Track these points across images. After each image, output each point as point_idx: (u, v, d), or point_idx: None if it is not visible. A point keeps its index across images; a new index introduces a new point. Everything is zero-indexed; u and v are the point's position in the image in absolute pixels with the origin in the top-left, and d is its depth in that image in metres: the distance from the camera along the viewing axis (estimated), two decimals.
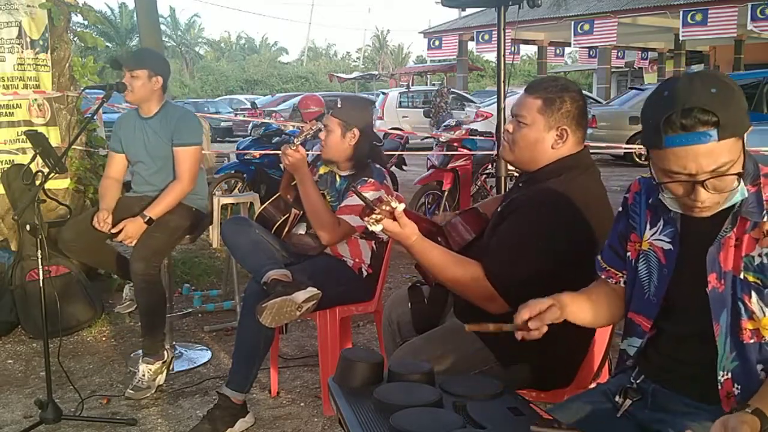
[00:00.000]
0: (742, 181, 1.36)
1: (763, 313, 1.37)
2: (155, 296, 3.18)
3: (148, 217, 3.18)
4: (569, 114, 1.96)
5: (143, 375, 3.13)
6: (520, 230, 1.91)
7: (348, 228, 2.77)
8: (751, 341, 1.39)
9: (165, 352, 3.23)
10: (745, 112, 1.34)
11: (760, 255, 1.37)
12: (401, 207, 1.81)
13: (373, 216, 1.77)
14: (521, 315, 1.53)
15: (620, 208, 1.66)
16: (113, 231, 3.18)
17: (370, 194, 2.72)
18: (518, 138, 2.00)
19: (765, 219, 1.37)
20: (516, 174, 5.78)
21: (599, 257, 1.71)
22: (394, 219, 1.81)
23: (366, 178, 2.81)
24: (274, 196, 2.93)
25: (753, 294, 1.38)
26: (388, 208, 1.79)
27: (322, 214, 2.74)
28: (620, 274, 1.66)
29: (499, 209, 2.06)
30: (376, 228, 1.78)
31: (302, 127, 2.84)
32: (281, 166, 2.83)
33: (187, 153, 3.29)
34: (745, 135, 1.35)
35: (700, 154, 1.30)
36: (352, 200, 2.74)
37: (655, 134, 1.33)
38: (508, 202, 2.02)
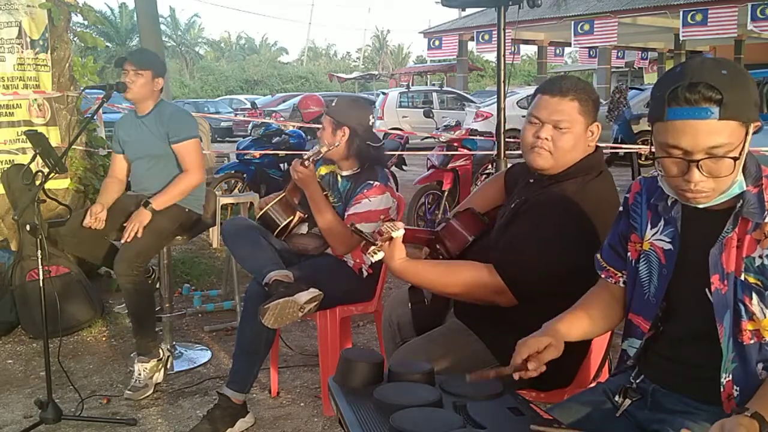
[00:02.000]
0: (741, 173, 1.36)
1: (764, 314, 1.37)
2: (141, 297, 3.18)
3: (150, 205, 3.18)
4: (596, 110, 1.98)
5: (139, 374, 3.14)
6: (533, 231, 1.91)
7: (360, 238, 2.77)
8: (752, 342, 1.38)
9: (159, 350, 3.23)
10: (753, 103, 1.33)
11: (760, 256, 1.37)
12: (400, 233, 1.87)
13: (373, 248, 1.85)
14: (520, 354, 1.53)
15: (621, 208, 1.66)
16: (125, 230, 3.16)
17: (377, 199, 2.72)
18: (562, 144, 1.94)
19: (766, 220, 1.36)
20: None
21: (598, 256, 1.71)
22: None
23: (371, 182, 2.80)
24: (279, 196, 2.91)
25: (753, 296, 1.37)
26: (387, 236, 1.86)
27: (336, 229, 2.75)
28: (620, 274, 1.66)
29: (512, 206, 2.04)
30: (378, 258, 1.86)
31: (318, 147, 2.78)
32: (289, 172, 2.82)
33: (188, 147, 3.31)
34: (751, 129, 1.34)
35: (698, 130, 1.30)
36: (359, 207, 2.74)
37: (659, 106, 1.34)
38: (522, 201, 2.01)
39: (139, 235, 3.13)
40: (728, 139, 1.31)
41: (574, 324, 1.64)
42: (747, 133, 1.33)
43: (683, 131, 1.31)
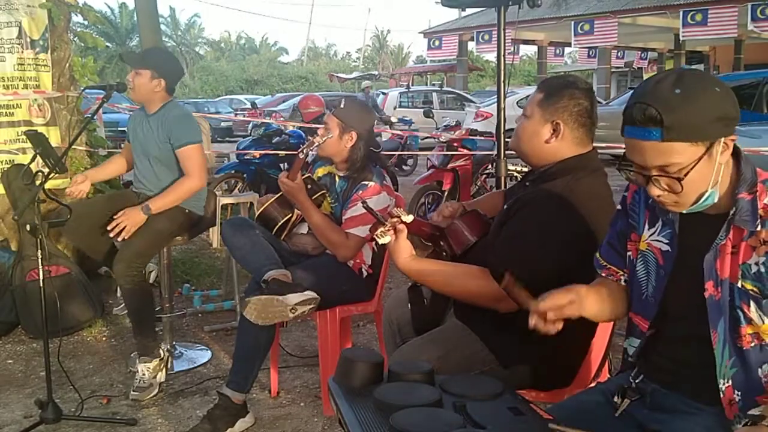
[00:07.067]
0: (716, 185, 1.36)
1: (762, 321, 1.36)
2: (141, 297, 3.18)
3: (147, 208, 3.16)
4: (565, 109, 1.97)
5: (143, 374, 3.13)
6: (526, 229, 1.91)
7: (359, 241, 2.79)
8: (752, 345, 1.37)
9: (160, 350, 3.23)
10: (715, 119, 1.30)
11: (756, 263, 1.36)
12: (410, 218, 1.87)
13: (381, 230, 1.85)
14: (544, 304, 1.49)
15: (619, 207, 1.66)
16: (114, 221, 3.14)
17: (374, 200, 2.73)
18: (520, 129, 2.06)
19: (759, 228, 1.35)
20: (517, 174, 5.78)
21: (597, 255, 1.70)
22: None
23: (366, 183, 2.81)
24: (277, 195, 2.91)
25: (751, 303, 1.37)
26: (396, 220, 1.86)
27: (330, 237, 2.78)
28: (620, 272, 1.65)
29: (505, 207, 2.06)
30: (385, 240, 1.85)
31: (313, 137, 2.81)
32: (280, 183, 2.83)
33: (189, 151, 3.27)
34: (717, 145, 1.32)
35: (644, 149, 1.34)
36: (356, 209, 2.74)
37: (623, 122, 1.38)
38: (515, 200, 2.02)
39: (126, 235, 3.11)
40: (676, 159, 1.31)
41: (591, 294, 1.57)
42: (708, 150, 1.31)
43: (633, 149, 1.36)
